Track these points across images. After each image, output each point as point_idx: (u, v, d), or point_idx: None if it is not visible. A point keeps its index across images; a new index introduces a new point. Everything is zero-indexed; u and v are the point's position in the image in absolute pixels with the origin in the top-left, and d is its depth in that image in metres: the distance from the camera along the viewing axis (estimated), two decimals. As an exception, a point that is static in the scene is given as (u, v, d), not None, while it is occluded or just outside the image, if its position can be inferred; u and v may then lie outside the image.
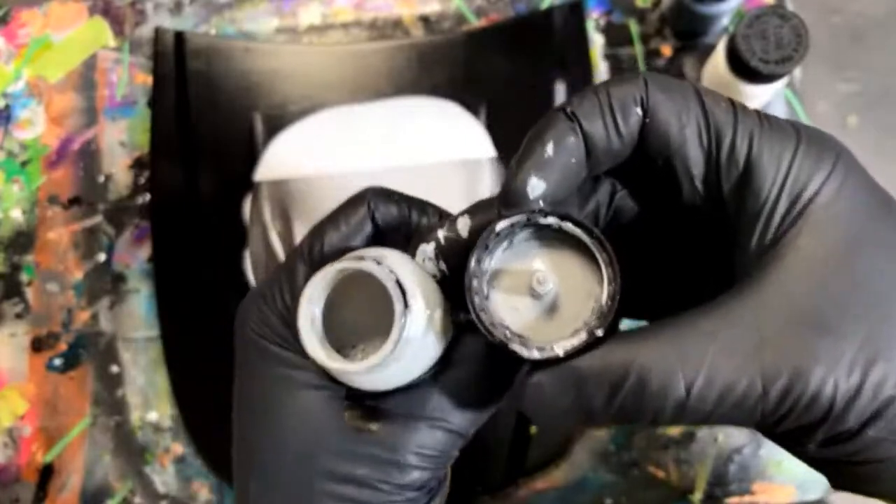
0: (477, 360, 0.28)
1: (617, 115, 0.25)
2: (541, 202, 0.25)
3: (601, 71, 0.62)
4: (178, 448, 0.57)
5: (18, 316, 0.60)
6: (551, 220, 0.25)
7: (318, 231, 0.29)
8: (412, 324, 0.25)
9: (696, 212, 0.26)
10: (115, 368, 0.58)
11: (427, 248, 0.27)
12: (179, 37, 0.62)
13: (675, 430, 0.56)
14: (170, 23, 0.64)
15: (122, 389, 0.58)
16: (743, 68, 0.53)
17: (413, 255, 0.27)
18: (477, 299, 0.25)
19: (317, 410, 0.28)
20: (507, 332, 0.25)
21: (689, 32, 0.61)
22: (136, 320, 0.59)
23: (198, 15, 0.65)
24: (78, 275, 0.60)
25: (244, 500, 0.30)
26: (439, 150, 0.58)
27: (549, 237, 0.26)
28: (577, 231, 0.25)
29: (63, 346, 0.59)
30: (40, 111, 0.63)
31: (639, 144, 0.26)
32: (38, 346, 0.59)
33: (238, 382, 0.30)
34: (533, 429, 0.55)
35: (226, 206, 0.59)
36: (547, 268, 0.26)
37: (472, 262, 0.25)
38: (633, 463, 0.55)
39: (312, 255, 0.29)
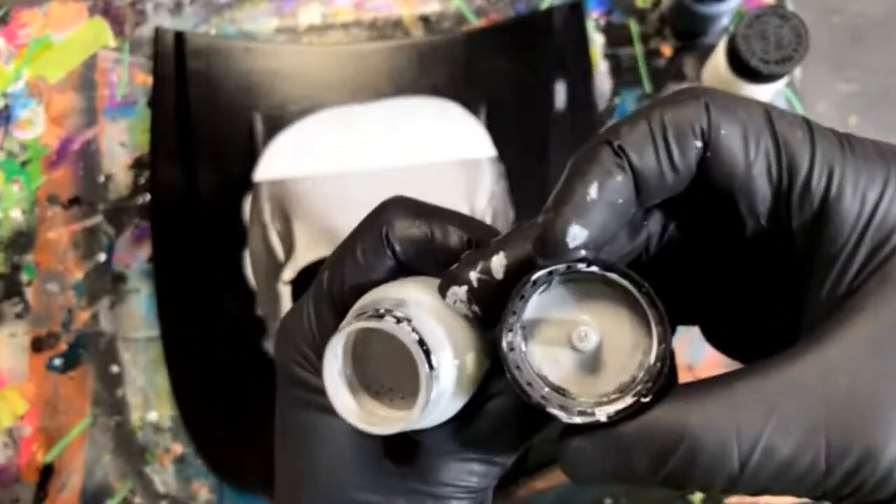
0: (514, 397, 0.25)
1: (673, 148, 0.22)
2: (583, 251, 0.22)
3: (601, 71, 0.62)
4: (178, 448, 0.57)
5: (18, 316, 0.60)
6: (594, 269, 0.23)
7: (336, 262, 0.27)
8: (440, 382, 0.23)
9: (760, 248, 0.24)
10: (115, 368, 0.58)
11: (459, 291, 0.25)
12: (179, 37, 0.62)
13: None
14: (170, 23, 0.64)
15: (122, 389, 0.58)
16: (743, 68, 0.53)
17: (443, 296, 0.25)
18: (511, 356, 0.23)
19: (349, 440, 0.27)
20: (546, 389, 0.23)
21: (689, 32, 0.61)
22: (136, 320, 0.59)
23: (198, 15, 0.65)
24: (78, 275, 0.60)
25: None
26: (439, 149, 0.58)
27: (592, 282, 0.24)
28: (625, 283, 0.23)
29: (63, 346, 0.59)
30: (40, 111, 0.63)
31: (696, 177, 0.22)
32: (38, 346, 0.59)
33: (278, 411, 0.29)
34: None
35: (225, 206, 0.59)
36: (590, 317, 0.24)
37: (507, 315, 0.23)
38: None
39: (333, 293, 0.27)
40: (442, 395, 0.24)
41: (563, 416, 0.23)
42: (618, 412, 0.22)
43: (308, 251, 0.56)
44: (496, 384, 0.26)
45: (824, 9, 1.37)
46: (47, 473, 0.57)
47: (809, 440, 0.20)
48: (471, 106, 0.60)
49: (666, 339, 0.22)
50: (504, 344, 0.23)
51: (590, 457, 0.22)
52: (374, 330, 0.24)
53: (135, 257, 0.60)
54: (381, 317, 0.23)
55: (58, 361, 0.59)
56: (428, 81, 0.60)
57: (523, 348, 0.24)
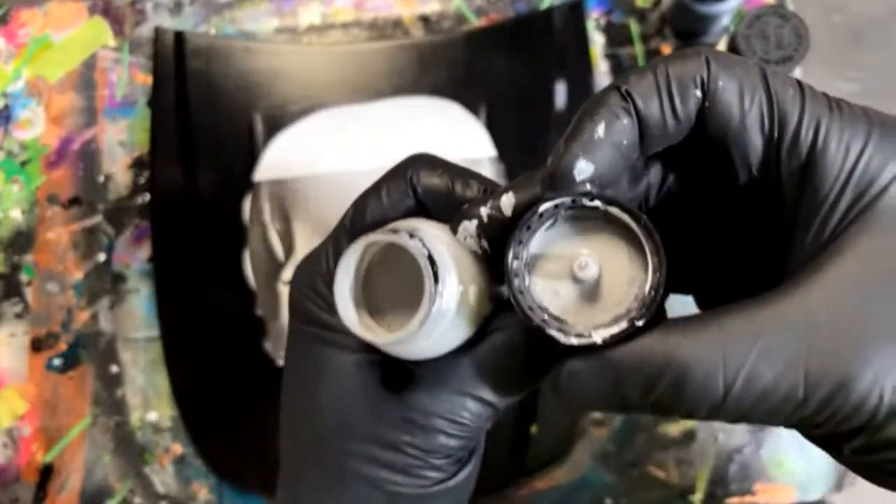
0: (514, 336, 0.27)
1: (675, 95, 0.24)
2: (588, 185, 0.24)
3: (601, 70, 0.62)
4: (178, 448, 0.57)
5: (18, 316, 0.60)
6: (597, 203, 0.24)
7: (360, 202, 0.29)
8: (443, 300, 0.24)
9: (750, 197, 0.25)
10: (114, 368, 0.58)
11: (469, 226, 0.26)
12: (179, 36, 0.62)
13: (675, 430, 0.56)
14: (170, 23, 0.64)
15: (121, 389, 0.58)
16: (743, 68, 0.53)
17: (455, 231, 0.27)
18: (516, 281, 0.25)
19: (352, 372, 0.28)
20: (546, 315, 0.25)
21: (690, 32, 0.61)
22: (136, 320, 0.59)
23: (197, 15, 0.65)
24: (78, 275, 0.60)
25: (286, 457, 0.31)
26: (439, 149, 0.58)
27: (594, 220, 0.26)
28: (624, 217, 0.24)
29: (63, 346, 0.59)
30: (40, 111, 0.63)
31: (695, 127, 0.24)
32: (37, 346, 0.59)
33: (287, 350, 0.31)
34: (533, 428, 0.55)
35: (225, 206, 0.59)
36: (590, 252, 0.26)
37: (513, 244, 0.25)
38: (633, 463, 0.55)
39: (354, 226, 0.29)
40: (442, 316, 0.25)
41: (560, 338, 0.24)
42: (612, 336, 0.23)
43: (308, 251, 0.56)
44: (497, 321, 0.28)
45: (825, 8, 1.37)
46: (47, 473, 0.57)
47: (789, 370, 0.21)
48: (471, 106, 0.60)
49: (661, 269, 0.24)
50: (509, 268, 0.25)
51: (583, 379, 0.24)
52: (385, 254, 0.26)
53: (134, 257, 0.60)
54: (394, 232, 0.25)
55: (57, 361, 0.59)
56: (428, 81, 0.60)
57: (526, 280, 0.25)
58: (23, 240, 0.61)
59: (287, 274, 0.56)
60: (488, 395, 0.28)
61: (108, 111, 0.63)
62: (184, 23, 0.64)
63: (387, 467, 0.28)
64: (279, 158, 0.59)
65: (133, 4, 0.65)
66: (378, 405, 0.28)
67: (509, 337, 0.27)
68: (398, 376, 0.28)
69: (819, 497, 0.55)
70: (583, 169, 0.24)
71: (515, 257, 0.25)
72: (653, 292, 0.24)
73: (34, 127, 0.63)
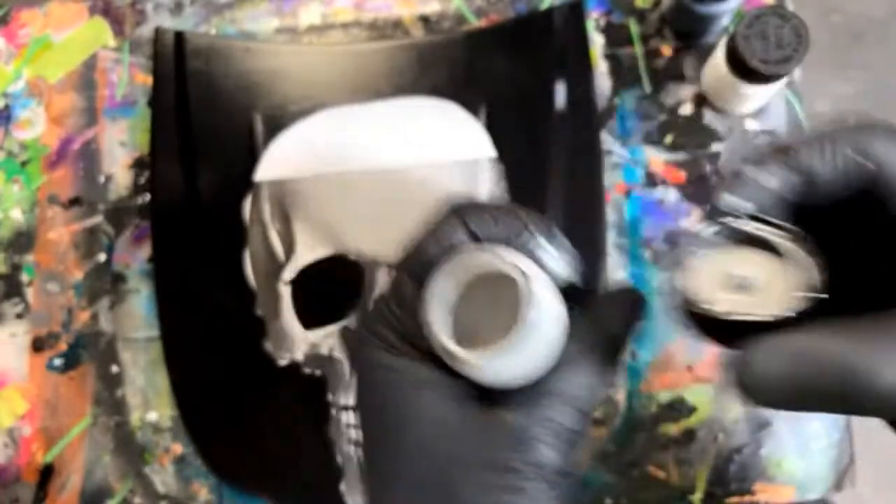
0: (591, 336, 0.29)
1: (850, 167, 0.27)
2: (749, 210, 0.28)
3: (601, 71, 0.62)
4: (178, 448, 0.57)
5: (18, 316, 0.60)
6: (758, 224, 0.28)
7: (415, 246, 0.30)
8: (538, 308, 0.26)
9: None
10: (115, 368, 0.59)
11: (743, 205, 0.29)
12: (179, 37, 0.62)
13: (675, 430, 0.56)
14: (170, 23, 0.64)
15: (122, 389, 0.58)
16: (743, 68, 0.53)
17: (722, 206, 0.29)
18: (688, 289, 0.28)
19: (442, 406, 0.29)
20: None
21: (689, 32, 0.61)
22: (136, 320, 0.59)
23: (198, 15, 0.65)
24: (78, 275, 0.60)
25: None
26: (439, 149, 0.58)
27: (753, 235, 0.28)
28: (780, 234, 0.28)
29: (63, 346, 0.59)
30: (40, 111, 0.63)
31: (856, 187, 0.28)
32: (38, 346, 0.59)
33: (361, 395, 0.32)
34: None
35: (225, 207, 0.59)
36: (748, 266, 0.28)
37: (681, 254, 0.28)
38: (633, 463, 0.55)
39: (412, 267, 0.30)
40: (534, 330, 0.26)
41: (757, 312, 0.27)
42: (799, 313, 0.26)
43: (308, 251, 0.56)
44: (576, 330, 0.30)
45: (824, 9, 1.37)
46: (47, 473, 0.57)
47: None
48: (471, 106, 0.60)
49: (823, 271, 0.27)
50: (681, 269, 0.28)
51: (776, 367, 0.25)
52: (474, 288, 0.28)
53: (135, 257, 0.60)
54: (482, 251, 0.27)
55: (58, 361, 0.59)
56: (428, 81, 0.61)
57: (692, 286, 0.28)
58: (23, 240, 0.61)
59: (287, 274, 0.56)
60: (580, 399, 0.29)
61: (109, 111, 0.63)
62: (184, 23, 0.64)
63: (503, 490, 0.28)
64: (279, 158, 0.59)
65: (133, 5, 0.65)
66: (481, 431, 0.29)
67: (588, 338, 0.30)
68: (489, 401, 0.29)
69: (819, 497, 0.55)
70: (742, 205, 0.28)
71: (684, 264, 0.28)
72: (813, 292, 0.27)
73: (34, 127, 0.63)
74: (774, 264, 0.28)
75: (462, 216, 0.30)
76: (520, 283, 0.26)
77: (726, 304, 0.28)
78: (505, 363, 0.27)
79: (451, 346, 0.27)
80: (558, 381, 0.29)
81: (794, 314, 0.26)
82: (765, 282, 0.28)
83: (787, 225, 0.27)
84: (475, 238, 0.30)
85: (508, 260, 0.26)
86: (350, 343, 0.31)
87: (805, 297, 0.27)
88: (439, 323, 0.27)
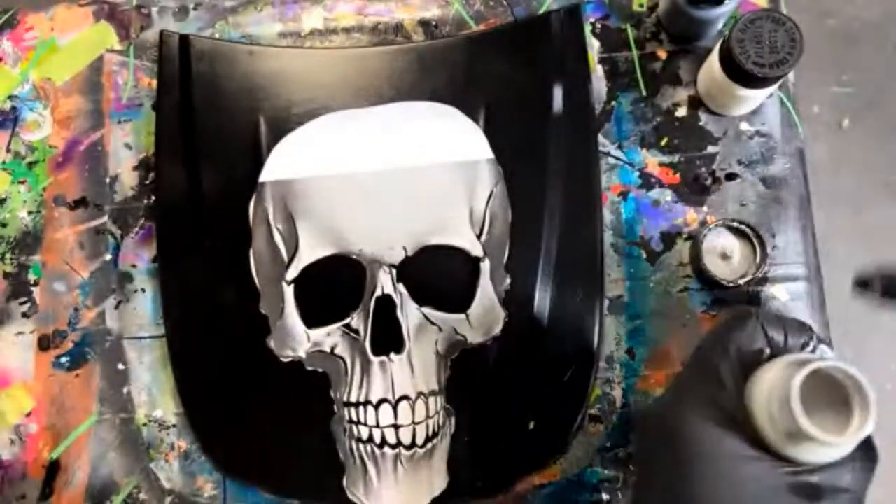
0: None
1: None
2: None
3: (598, 75, 0.62)
4: (183, 444, 0.58)
5: (25, 315, 0.61)
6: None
7: (728, 337, 0.40)
8: (874, 419, 0.34)
9: None
10: (120, 366, 0.59)
11: None
12: (184, 40, 0.63)
13: (671, 427, 0.57)
14: (174, 27, 0.65)
15: (127, 387, 0.59)
16: (737, 72, 0.54)
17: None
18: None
19: (766, 478, 0.36)
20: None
21: (685, 36, 0.62)
22: (142, 319, 0.60)
23: (202, 19, 0.66)
24: (84, 274, 0.61)
25: None
26: (439, 152, 0.59)
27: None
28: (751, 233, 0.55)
29: (69, 345, 0.60)
30: (47, 113, 0.64)
31: None
32: (44, 344, 0.60)
33: (695, 472, 0.37)
34: (531, 424, 0.56)
35: (230, 208, 0.59)
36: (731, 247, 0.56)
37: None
38: (629, 458, 0.56)
39: (731, 355, 0.39)
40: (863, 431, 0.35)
41: (726, 275, 0.53)
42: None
43: (311, 251, 0.57)
44: None
45: (819, 12, 1.38)
46: (53, 470, 0.58)
47: None
48: (470, 109, 0.60)
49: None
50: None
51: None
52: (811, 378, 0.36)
53: (140, 257, 0.61)
54: (823, 360, 0.36)
55: (64, 360, 0.60)
56: (428, 85, 0.61)
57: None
58: (30, 240, 0.62)
59: (291, 273, 0.57)
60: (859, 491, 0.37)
61: (114, 114, 0.64)
62: (188, 27, 0.65)
63: None
64: (283, 160, 0.60)
65: (139, 9, 0.66)
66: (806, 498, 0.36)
67: None
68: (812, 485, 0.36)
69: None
70: None
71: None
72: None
73: (41, 129, 0.64)
74: (746, 248, 0.54)
75: (761, 322, 0.39)
76: (865, 387, 0.34)
77: (713, 267, 0.54)
78: (832, 451, 0.35)
79: (815, 431, 0.34)
80: (851, 479, 0.36)
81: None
82: (738, 257, 0.54)
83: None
84: (769, 341, 0.39)
85: (853, 372, 0.35)
86: (660, 418, 0.42)
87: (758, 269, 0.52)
88: (801, 411, 0.34)
